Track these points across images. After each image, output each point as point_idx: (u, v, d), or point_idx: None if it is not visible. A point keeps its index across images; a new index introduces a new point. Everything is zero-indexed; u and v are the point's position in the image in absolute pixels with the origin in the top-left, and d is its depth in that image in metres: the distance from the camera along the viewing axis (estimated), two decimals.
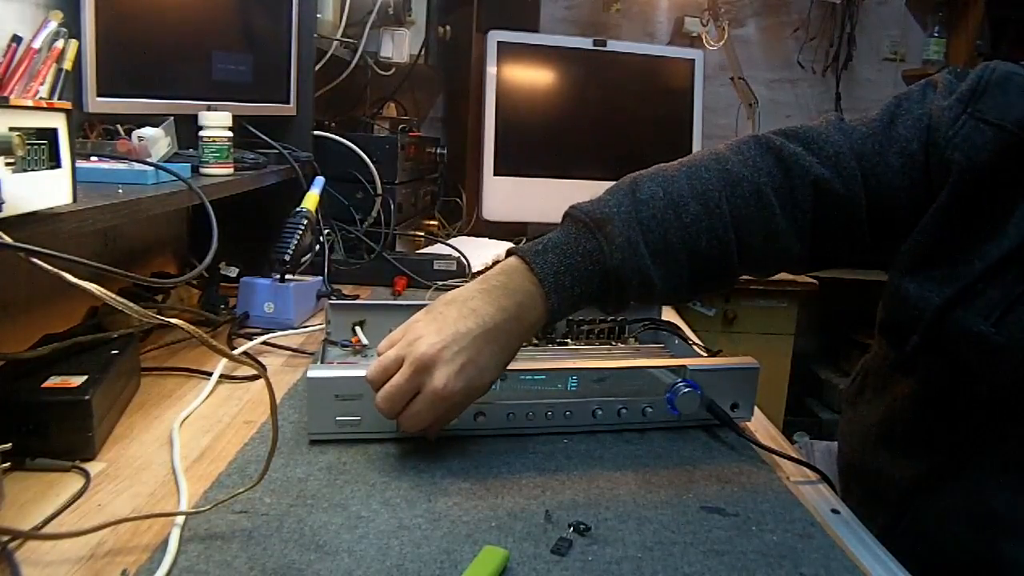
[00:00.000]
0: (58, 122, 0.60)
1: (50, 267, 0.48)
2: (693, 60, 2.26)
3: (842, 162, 0.73)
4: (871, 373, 0.86)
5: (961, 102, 0.69)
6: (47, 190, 0.60)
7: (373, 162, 1.49)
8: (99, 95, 0.89)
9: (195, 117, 1.04)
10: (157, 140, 0.97)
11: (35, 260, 0.48)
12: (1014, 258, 0.66)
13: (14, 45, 0.83)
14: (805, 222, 0.74)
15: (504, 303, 0.67)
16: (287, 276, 1.11)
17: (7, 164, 0.54)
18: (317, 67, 1.46)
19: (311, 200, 1.18)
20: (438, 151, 1.93)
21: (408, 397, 0.65)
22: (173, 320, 0.50)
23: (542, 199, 2.08)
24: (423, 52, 1.92)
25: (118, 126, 1.02)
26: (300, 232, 1.12)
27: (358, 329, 0.94)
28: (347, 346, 0.91)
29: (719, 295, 2.17)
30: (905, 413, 0.79)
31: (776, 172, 0.74)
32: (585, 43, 2.18)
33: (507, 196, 2.09)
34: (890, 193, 0.73)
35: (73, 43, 0.86)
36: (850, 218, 0.74)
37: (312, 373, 0.70)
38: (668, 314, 1.13)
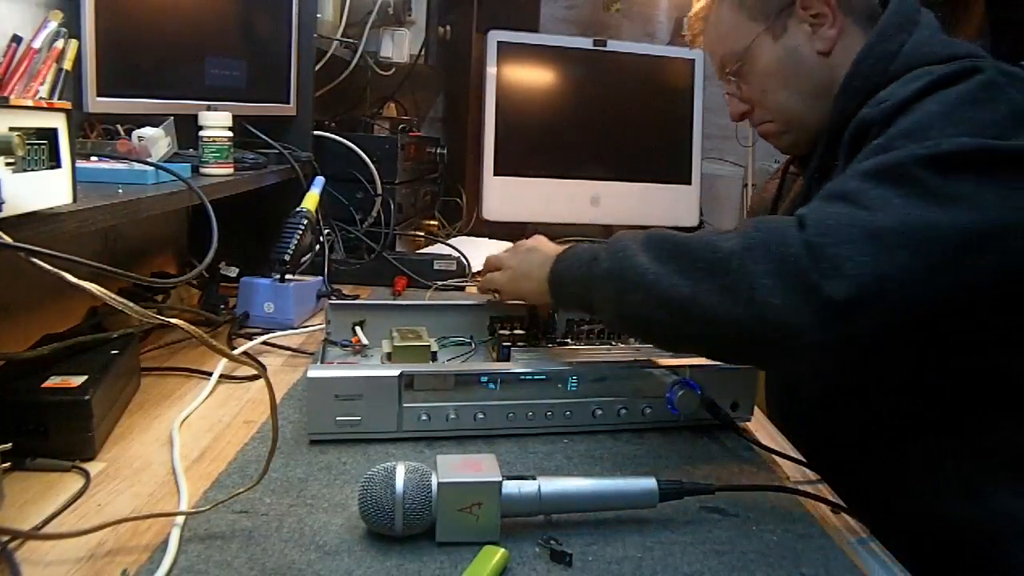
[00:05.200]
0: (58, 122, 0.60)
1: (50, 267, 0.48)
2: (693, 60, 2.26)
3: None
4: None
5: None
6: (47, 190, 0.60)
7: (373, 162, 1.49)
8: (99, 95, 0.89)
9: (195, 117, 1.04)
10: (157, 140, 0.96)
11: (35, 260, 0.48)
12: None
13: (14, 45, 0.83)
14: None
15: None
16: (287, 276, 1.11)
17: (7, 164, 0.54)
18: (317, 67, 1.46)
19: (311, 200, 1.18)
20: (438, 151, 1.93)
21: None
22: (173, 320, 0.50)
23: (542, 199, 2.08)
24: (423, 52, 1.92)
25: (118, 126, 1.02)
26: (300, 232, 1.12)
27: (358, 329, 0.94)
28: (347, 346, 0.91)
29: None
30: None
31: None
32: (585, 43, 2.18)
33: (507, 196, 2.09)
34: None
35: (73, 43, 0.86)
36: None
37: (312, 373, 0.70)
38: None
